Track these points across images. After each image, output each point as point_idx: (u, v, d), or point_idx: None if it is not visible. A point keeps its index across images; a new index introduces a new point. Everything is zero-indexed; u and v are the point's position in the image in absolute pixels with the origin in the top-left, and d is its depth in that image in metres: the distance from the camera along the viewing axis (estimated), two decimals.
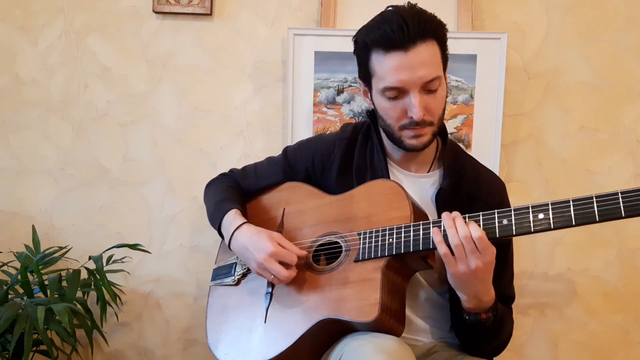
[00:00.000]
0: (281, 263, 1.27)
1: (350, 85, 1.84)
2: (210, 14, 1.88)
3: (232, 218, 1.39)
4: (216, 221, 1.43)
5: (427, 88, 1.24)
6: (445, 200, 1.31)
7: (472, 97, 1.81)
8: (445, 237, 1.14)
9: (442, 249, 1.14)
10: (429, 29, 1.22)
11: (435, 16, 1.27)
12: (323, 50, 1.83)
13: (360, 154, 1.40)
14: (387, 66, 1.23)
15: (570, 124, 1.87)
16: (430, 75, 1.22)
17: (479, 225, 1.13)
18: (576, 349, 1.90)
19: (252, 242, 1.31)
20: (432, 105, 1.26)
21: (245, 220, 1.38)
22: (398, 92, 1.24)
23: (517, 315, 1.85)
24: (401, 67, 1.21)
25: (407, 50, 1.20)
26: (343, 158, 1.41)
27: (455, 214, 1.15)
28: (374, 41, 1.24)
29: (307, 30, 1.84)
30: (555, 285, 1.90)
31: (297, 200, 1.42)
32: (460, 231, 1.12)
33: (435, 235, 1.15)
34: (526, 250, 1.88)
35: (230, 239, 1.36)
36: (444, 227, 1.15)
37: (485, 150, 1.81)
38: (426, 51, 1.22)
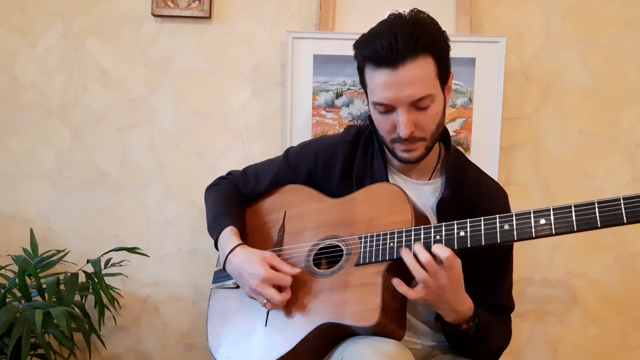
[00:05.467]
0: (276, 287, 1.26)
1: (349, 89, 1.84)
2: (209, 17, 1.88)
3: (227, 238, 1.37)
4: (213, 236, 1.42)
5: (417, 106, 1.21)
6: (446, 209, 1.30)
7: (470, 100, 1.81)
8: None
9: (412, 296, 1.15)
10: (422, 44, 1.18)
11: (436, 28, 1.23)
12: (322, 54, 1.83)
13: (361, 159, 1.39)
14: (376, 82, 1.22)
15: (569, 127, 1.87)
16: (418, 94, 1.19)
17: (480, 230, 1.12)
18: (575, 352, 1.90)
19: (245, 266, 1.29)
20: (423, 122, 1.24)
21: (239, 241, 1.36)
22: (387, 108, 1.23)
23: (516, 320, 1.85)
24: (388, 84, 1.20)
25: (396, 68, 1.18)
26: (345, 162, 1.40)
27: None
28: (365, 56, 1.23)
29: (306, 33, 1.84)
30: (554, 289, 1.90)
31: (298, 203, 1.41)
32: (422, 258, 1.12)
33: (399, 286, 1.15)
34: (525, 254, 1.88)
35: (225, 262, 1.36)
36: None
37: (484, 153, 1.81)
38: (416, 69, 1.18)
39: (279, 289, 1.26)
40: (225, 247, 1.36)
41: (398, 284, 1.15)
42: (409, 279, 1.23)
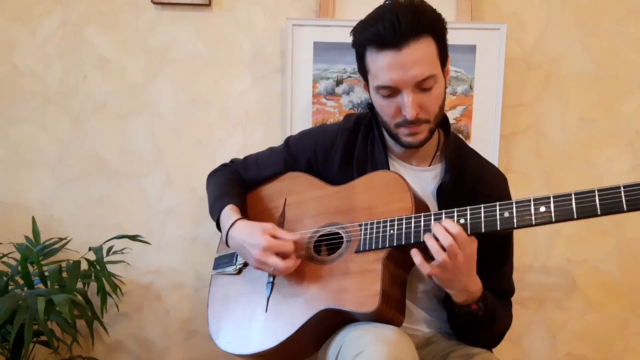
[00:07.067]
0: (279, 254, 1.27)
1: (349, 76, 1.83)
2: (209, 5, 1.87)
3: (228, 215, 1.38)
4: (214, 217, 1.43)
5: (421, 87, 1.22)
6: (446, 195, 1.30)
7: (471, 87, 1.81)
8: (427, 255, 1.15)
9: (425, 269, 1.14)
10: (424, 25, 1.19)
11: (434, 10, 1.24)
12: (322, 41, 1.82)
13: (362, 147, 1.39)
14: (380, 65, 1.22)
15: (570, 114, 1.87)
16: (423, 74, 1.20)
17: (480, 217, 1.13)
18: (575, 339, 1.91)
19: (246, 238, 1.31)
20: (427, 103, 1.24)
21: (239, 216, 1.37)
22: (391, 91, 1.23)
23: (516, 306, 1.84)
24: (393, 66, 1.20)
25: (400, 49, 1.19)
26: (345, 149, 1.40)
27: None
28: (368, 39, 1.23)
29: (306, 20, 1.83)
30: (553, 276, 1.91)
31: (298, 191, 1.42)
32: (444, 242, 1.12)
33: (416, 256, 1.15)
34: (525, 241, 1.88)
35: (227, 237, 1.37)
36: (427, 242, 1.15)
37: (484, 141, 1.81)
38: (419, 49, 1.19)
39: (283, 258, 1.27)
40: (226, 224, 1.37)
41: (415, 253, 1.15)
42: (409, 266, 1.24)
